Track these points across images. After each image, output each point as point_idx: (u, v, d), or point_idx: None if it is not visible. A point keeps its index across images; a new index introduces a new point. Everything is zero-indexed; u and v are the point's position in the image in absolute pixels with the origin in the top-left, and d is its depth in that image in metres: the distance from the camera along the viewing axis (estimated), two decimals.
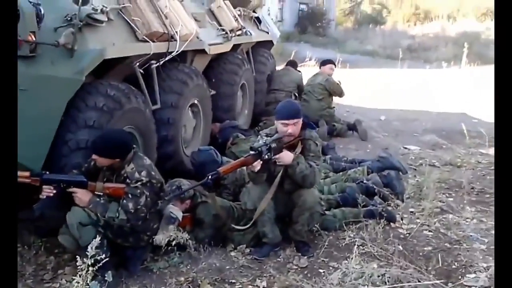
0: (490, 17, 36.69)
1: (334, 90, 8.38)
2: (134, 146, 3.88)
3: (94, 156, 3.68)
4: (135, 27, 4.42)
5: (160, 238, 3.79)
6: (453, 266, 3.93)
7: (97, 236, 3.19)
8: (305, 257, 4.12)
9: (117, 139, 3.71)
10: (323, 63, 8.77)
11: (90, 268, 2.94)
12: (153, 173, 3.76)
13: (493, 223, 4.73)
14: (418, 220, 4.73)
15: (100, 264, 2.99)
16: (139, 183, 3.63)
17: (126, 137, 3.87)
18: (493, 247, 4.20)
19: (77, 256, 3.04)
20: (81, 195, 3.62)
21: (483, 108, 10.82)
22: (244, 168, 4.21)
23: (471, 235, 4.48)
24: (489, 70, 18.40)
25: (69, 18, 3.70)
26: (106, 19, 4.03)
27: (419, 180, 5.82)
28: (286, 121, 4.03)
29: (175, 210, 3.99)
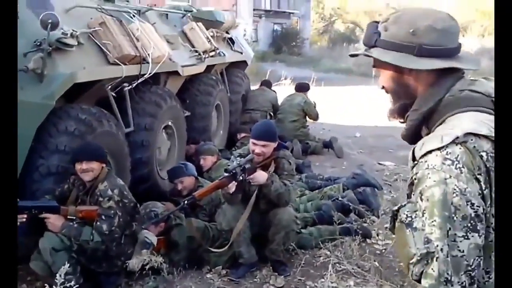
0: (461, 33, 37.42)
1: (311, 112, 8.45)
2: (108, 167, 3.87)
3: (78, 166, 3.67)
4: (106, 51, 4.41)
5: (134, 263, 3.75)
6: None
7: (70, 262, 3.18)
8: (282, 276, 4.10)
9: (94, 143, 3.91)
10: (302, 88, 8.82)
11: None
12: (125, 193, 3.76)
13: None
14: (393, 236, 4.74)
15: None
16: (111, 201, 3.63)
17: (101, 145, 3.97)
18: None
19: (46, 285, 2.98)
20: (54, 220, 3.59)
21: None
22: None
23: None
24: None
25: (38, 43, 3.68)
26: (76, 43, 4.02)
27: (394, 196, 5.86)
28: (255, 141, 4.05)
29: (150, 235, 3.96)
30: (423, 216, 1.46)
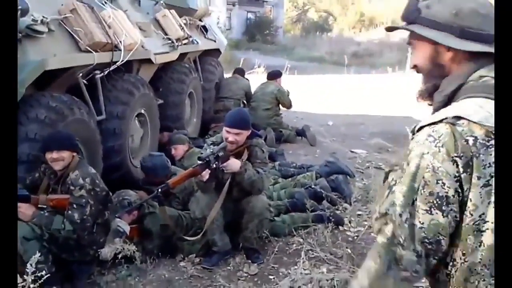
0: None
1: (284, 101, 8.45)
2: (80, 155, 3.84)
3: (49, 155, 3.62)
4: (77, 38, 4.34)
5: (106, 252, 3.73)
6: None
7: (41, 251, 3.16)
8: (255, 264, 4.13)
9: (65, 132, 3.87)
10: (274, 76, 8.83)
11: (32, 285, 2.86)
12: (97, 181, 3.73)
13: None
14: (365, 223, 4.82)
15: (43, 280, 2.91)
16: (82, 189, 3.60)
17: (72, 133, 3.92)
18: None
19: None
20: (24, 209, 3.54)
21: (427, 111, 11.10)
22: None
23: None
24: None
25: None
26: (47, 30, 3.94)
27: (366, 183, 5.94)
28: (228, 129, 4.05)
29: (122, 224, 3.94)
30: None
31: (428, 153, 1.47)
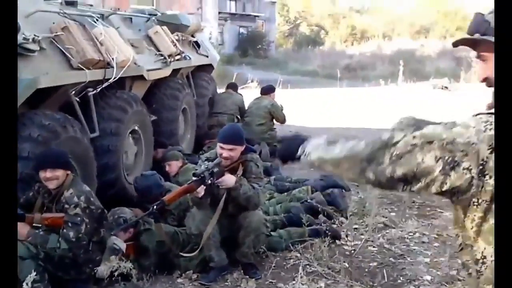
0: (424, 34, 38.20)
1: (278, 116, 8.46)
2: (73, 173, 3.81)
3: (43, 174, 3.59)
4: (69, 55, 4.34)
5: (103, 270, 3.69)
6: (398, 281, 4.00)
7: (37, 270, 3.15)
8: (253, 279, 4.09)
9: (58, 150, 3.85)
10: (267, 90, 8.82)
11: None
12: (92, 199, 3.70)
13: (436, 235, 4.86)
14: (362, 236, 4.80)
15: None
16: (78, 208, 3.57)
17: (66, 151, 3.89)
18: (436, 259, 4.33)
19: None
20: (19, 228, 3.51)
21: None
22: None
23: (414, 249, 4.57)
24: (425, 86, 19.11)
25: None
26: (38, 48, 3.95)
27: (362, 197, 5.92)
28: (222, 145, 4.03)
29: (118, 241, 3.91)
30: None
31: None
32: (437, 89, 18.61)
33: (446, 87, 18.72)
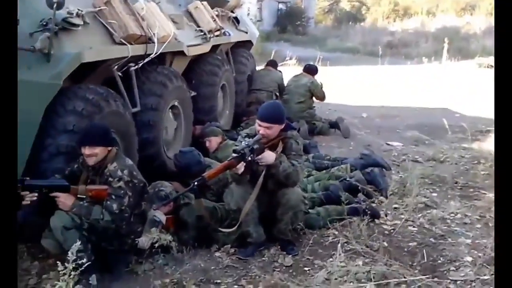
0: (469, 11, 37.11)
1: (318, 94, 8.39)
2: (117, 147, 3.86)
3: (83, 150, 3.66)
4: (112, 30, 4.37)
5: (144, 241, 3.77)
6: (438, 261, 3.94)
7: (80, 240, 3.22)
8: (290, 255, 4.11)
9: (101, 126, 3.83)
10: (311, 70, 8.72)
11: (72, 273, 2.92)
12: (135, 173, 3.75)
13: (478, 217, 4.77)
14: (402, 216, 4.74)
15: (83, 268, 2.98)
16: (121, 181, 3.63)
17: (108, 127, 3.91)
18: (478, 241, 4.25)
19: (57, 262, 3.00)
20: (64, 199, 3.60)
21: (464, 103, 10.90)
22: None
23: (456, 230, 4.50)
24: (470, 64, 18.62)
25: (44, 23, 3.65)
26: (82, 23, 3.98)
27: (403, 176, 5.84)
28: (260, 122, 4.03)
29: (159, 214, 3.98)
30: None
31: None
32: (482, 67, 18.10)
33: (492, 66, 18.20)
